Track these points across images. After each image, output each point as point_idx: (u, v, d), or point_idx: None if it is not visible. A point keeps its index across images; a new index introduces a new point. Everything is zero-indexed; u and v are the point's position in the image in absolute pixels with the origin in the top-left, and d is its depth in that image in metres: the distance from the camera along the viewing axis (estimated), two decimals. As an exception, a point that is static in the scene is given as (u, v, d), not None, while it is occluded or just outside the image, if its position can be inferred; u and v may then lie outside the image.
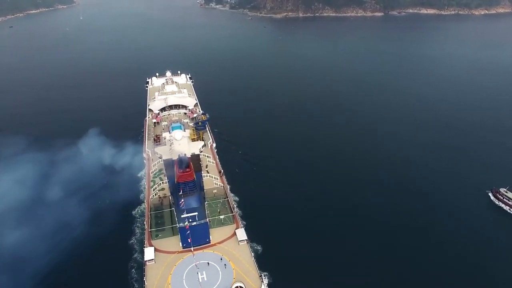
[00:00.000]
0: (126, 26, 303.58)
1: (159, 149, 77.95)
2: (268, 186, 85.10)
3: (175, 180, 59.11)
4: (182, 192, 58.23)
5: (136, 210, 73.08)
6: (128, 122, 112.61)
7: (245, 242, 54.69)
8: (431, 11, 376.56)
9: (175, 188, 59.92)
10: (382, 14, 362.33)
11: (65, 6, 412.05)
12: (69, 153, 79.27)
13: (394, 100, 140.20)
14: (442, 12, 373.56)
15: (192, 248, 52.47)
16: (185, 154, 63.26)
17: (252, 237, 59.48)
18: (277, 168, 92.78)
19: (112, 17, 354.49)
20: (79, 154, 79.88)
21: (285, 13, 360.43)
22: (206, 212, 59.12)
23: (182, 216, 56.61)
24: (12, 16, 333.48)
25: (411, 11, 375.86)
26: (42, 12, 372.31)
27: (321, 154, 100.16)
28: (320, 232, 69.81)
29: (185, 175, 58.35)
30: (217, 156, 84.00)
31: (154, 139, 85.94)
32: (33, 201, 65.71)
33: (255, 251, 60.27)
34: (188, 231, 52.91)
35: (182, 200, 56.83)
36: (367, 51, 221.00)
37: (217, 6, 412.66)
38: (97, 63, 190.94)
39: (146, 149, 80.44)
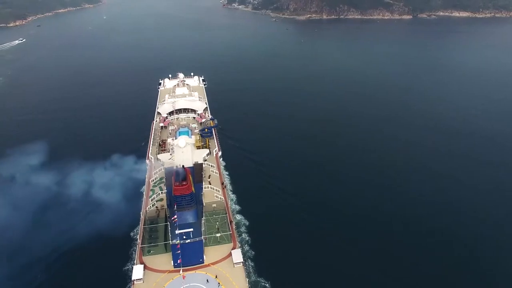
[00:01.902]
0: (147, 26, 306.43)
1: (162, 156, 75.15)
2: (283, 209, 74.14)
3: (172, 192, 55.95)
4: (177, 206, 54.75)
5: (134, 230, 66.45)
6: (138, 126, 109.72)
7: (241, 264, 50.45)
8: (464, 14, 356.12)
9: (172, 200, 56.66)
10: (411, 17, 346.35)
11: (91, 6, 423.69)
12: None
13: (422, 108, 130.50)
14: (477, 15, 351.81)
15: (181, 270, 48.64)
16: (182, 166, 59.94)
17: (256, 267, 56.54)
18: (299, 189, 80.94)
19: (134, 17, 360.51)
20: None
21: (309, 15, 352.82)
22: (203, 228, 55.30)
23: (176, 232, 53.14)
24: (42, 15, 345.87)
25: (442, 14, 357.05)
26: (69, 11, 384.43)
27: (355, 169, 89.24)
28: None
29: (181, 188, 54.94)
30: (222, 166, 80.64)
31: (160, 144, 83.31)
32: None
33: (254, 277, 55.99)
34: (179, 251, 49.20)
35: (175, 216, 53.32)
36: (392, 56, 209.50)
37: (240, 7, 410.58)
38: (114, 63, 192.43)
39: (149, 155, 77.85)
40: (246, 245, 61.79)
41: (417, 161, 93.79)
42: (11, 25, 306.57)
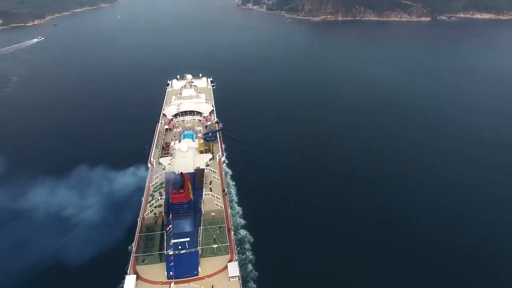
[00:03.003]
0: (161, 26, 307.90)
1: (164, 160, 73.51)
2: (294, 227, 67.45)
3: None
4: (174, 215, 52.77)
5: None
6: (144, 128, 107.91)
7: (237, 278, 47.88)
8: (486, 16, 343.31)
9: (169, 207, 54.72)
10: (429, 19, 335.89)
11: (107, 5, 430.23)
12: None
13: (441, 115, 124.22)
14: (501, 17, 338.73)
15: (173, 283, 46.50)
16: (181, 173, 57.83)
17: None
18: (315, 203, 74.04)
19: (149, 16, 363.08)
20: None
21: (324, 16, 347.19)
22: (200, 238, 53.15)
23: (172, 241, 51.22)
24: (59, 15, 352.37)
25: (463, 15, 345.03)
26: (86, 11, 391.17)
27: (386, 191, 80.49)
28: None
29: (178, 196, 52.89)
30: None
31: (163, 147, 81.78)
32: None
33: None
34: (172, 263, 47.16)
35: (170, 226, 51.35)
36: (411, 60, 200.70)
37: (254, 7, 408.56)
38: (124, 63, 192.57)
39: (151, 158, 76.29)
40: (250, 264, 57.53)
41: (450, 171, 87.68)
42: (30, 24, 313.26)
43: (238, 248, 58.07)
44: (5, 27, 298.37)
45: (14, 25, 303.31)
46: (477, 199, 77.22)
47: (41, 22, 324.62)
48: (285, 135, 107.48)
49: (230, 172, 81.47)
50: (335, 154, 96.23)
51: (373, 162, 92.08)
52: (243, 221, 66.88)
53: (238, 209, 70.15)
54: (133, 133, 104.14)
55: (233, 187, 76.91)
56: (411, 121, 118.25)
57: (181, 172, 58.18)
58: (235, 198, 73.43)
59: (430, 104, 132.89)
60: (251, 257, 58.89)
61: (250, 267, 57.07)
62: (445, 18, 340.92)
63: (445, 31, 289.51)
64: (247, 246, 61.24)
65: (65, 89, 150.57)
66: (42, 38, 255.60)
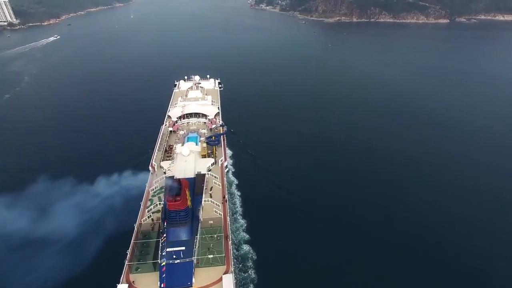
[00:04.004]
0: (173, 25, 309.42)
1: (166, 163, 71.83)
2: (301, 244, 62.03)
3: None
4: (169, 222, 50.93)
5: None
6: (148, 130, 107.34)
7: (231, 291, 45.53)
8: (509, 18, 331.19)
9: (166, 214, 52.94)
10: (448, 21, 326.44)
11: (122, 4, 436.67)
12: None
13: (458, 120, 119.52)
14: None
15: (162, 294, 44.56)
16: (178, 180, 55.87)
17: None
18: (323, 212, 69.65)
19: (162, 15, 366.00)
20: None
21: (338, 17, 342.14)
22: (196, 247, 51.11)
23: (166, 250, 49.38)
24: (74, 14, 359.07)
25: (483, 17, 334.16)
26: (101, 10, 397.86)
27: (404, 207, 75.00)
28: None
29: (174, 204, 51.01)
30: (226, 179, 75.56)
31: (166, 150, 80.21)
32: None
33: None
34: (164, 274, 45.25)
35: (164, 235, 49.51)
36: (427, 63, 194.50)
37: (267, 8, 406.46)
38: (133, 63, 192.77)
39: (153, 162, 74.76)
40: (251, 285, 54.39)
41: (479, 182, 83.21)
42: (45, 23, 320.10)
43: (240, 265, 55.08)
44: (22, 27, 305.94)
45: (30, 24, 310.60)
46: (493, 203, 73.45)
47: (57, 21, 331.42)
48: (296, 140, 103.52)
49: (235, 181, 78.13)
50: (352, 162, 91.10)
51: (396, 168, 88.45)
52: (246, 236, 63.00)
53: (242, 222, 66.44)
54: (139, 134, 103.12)
55: (238, 197, 73.34)
56: (427, 127, 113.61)
57: (179, 179, 56.16)
58: (239, 209, 69.91)
59: (446, 109, 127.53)
60: (253, 275, 55.43)
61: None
62: (465, 20, 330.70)
63: (464, 33, 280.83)
64: (250, 263, 57.69)
65: (73, 89, 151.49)
66: (58, 37, 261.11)
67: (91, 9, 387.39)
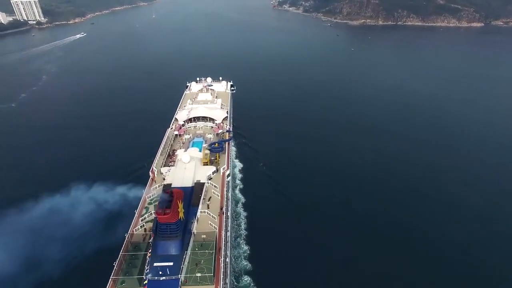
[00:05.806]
0: (194, 25, 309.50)
1: (166, 170, 69.13)
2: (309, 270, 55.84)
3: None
4: (158, 235, 47.73)
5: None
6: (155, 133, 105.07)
7: (218, 316, 41.52)
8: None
9: (157, 226, 49.84)
10: (482, 24, 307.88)
11: (146, 4, 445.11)
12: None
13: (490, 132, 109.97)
14: None
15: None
16: (169, 191, 52.61)
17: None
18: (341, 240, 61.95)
19: (184, 15, 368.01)
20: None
21: (363, 20, 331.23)
22: (185, 263, 47.63)
23: (154, 264, 46.21)
24: (100, 13, 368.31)
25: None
26: (125, 9, 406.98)
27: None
28: None
29: (164, 217, 47.78)
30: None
31: (169, 155, 77.58)
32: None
33: None
34: (146, 291, 42.02)
35: (150, 251, 46.34)
36: (458, 71, 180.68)
37: (290, 9, 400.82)
38: (149, 63, 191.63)
39: (154, 166, 72.15)
40: None
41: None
42: (71, 22, 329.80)
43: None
44: (49, 25, 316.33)
45: (57, 23, 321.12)
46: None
47: (82, 20, 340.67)
48: (312, 148, 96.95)
49: (242, 199, 72.34)
50: (372, 174, 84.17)
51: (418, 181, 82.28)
52: (248, 265, 56.68)
53: (245, 248, 60.01)
54: (145, 136, 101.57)
55: (243, 218, 67.20)
56: (454, 137, 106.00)
57: (171, 190, 52.88)
58: (243, 232, 63.77)
59: (477, 120, 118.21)
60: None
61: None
62: (501, 23, 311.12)
63: (502, 38, 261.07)
64: None
65: (88, 87, 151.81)
66: (85, 34, 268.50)
67: (116, 8, 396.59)
